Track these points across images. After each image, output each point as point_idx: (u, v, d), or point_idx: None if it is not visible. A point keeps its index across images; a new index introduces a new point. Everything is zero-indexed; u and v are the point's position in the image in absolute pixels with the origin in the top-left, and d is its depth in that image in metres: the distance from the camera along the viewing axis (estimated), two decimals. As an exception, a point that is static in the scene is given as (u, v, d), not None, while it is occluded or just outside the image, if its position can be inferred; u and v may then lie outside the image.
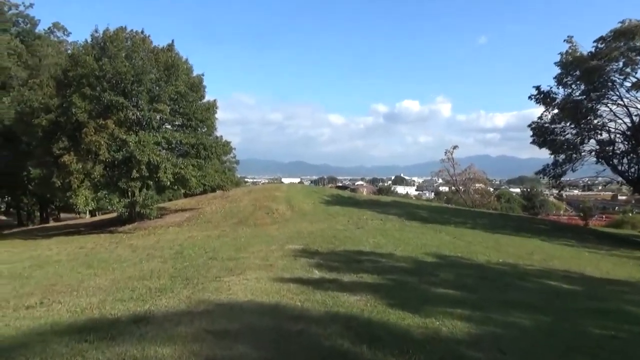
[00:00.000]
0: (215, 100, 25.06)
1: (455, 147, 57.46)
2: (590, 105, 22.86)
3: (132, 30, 22.62)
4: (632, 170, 23.27)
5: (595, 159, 24.67)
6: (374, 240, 13.50)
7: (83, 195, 19.98)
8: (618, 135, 23.41)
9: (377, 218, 21.01)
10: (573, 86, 23.00)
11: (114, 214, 26.24)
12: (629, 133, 22.59)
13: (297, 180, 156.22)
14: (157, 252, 11.89)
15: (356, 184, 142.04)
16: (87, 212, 49.20)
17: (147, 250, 12.66)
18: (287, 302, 6.22)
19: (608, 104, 22.63)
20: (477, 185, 59.89)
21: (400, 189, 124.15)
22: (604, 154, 23.56)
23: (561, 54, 22.98)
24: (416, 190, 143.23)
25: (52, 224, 36.53)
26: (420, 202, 37.43)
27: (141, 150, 19.75)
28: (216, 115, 25.17)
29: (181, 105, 22.36)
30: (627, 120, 22.59)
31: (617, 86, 21.95)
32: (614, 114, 22.61)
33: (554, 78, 23.66)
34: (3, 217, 48.21)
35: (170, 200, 41.06)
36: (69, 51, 32.43)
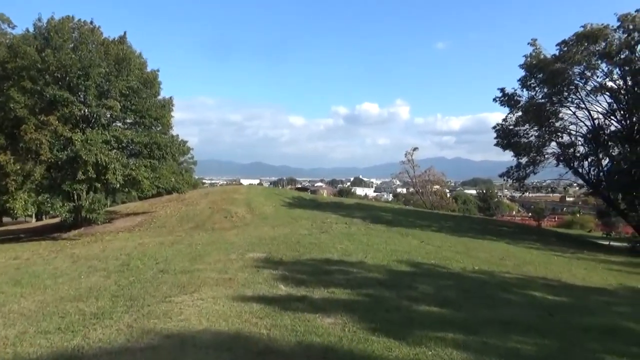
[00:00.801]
0: (171, 98, 23.64)
1: (415, 149, 57.76)
2: (552, 108, 22.95)
3: (80, 20, 20.93)
4: (592, 173, 23.55)
5: (555, 161, 24.84)
6: (342, 247, 12.64)
7: (22, 199, 18.19)
8: (579, 138, 23.63)
9: (341, 222, 20.23)
10: (537, 89, 23.03)
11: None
12: (589, 136, 22.80)
13: (256, 181, 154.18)
14: (100, 264, 10.56)
15: (315, 185, 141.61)
16: (34, 215, 46.09)
17: (90, 261, 11.28)
18: (250, 330, 5.24)
19: (570, 107, 22.79)
20: (435, 187, 60.46)
21: (359, 191, 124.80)
22: (565, 157, 23.72)
23: (525, 56, 22.97)
24: (374, 191, 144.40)
25: (-10, 229, 33.77)
26: (383, 204, 37.05)
27: (88, 149, 18.15)
28: (172, 114, 23.74)
29: (133, 102, 20.84)
30: (588, 123, 22.82)
31: (579, 89, 22.10)
32: (576, 117, 22.79)
33: (518, 80, 23.69)
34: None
35: (124, 202, 38.91)
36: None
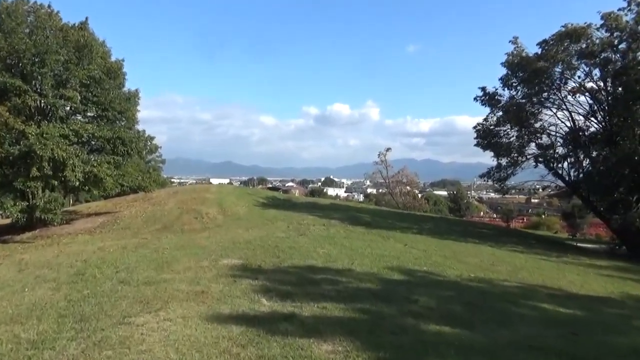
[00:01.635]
0: (137, 90, 22.15)
1: (388, 150, 57.43)
2: (533, 108, 22.56)
3: (35, 2, 19.20)
4: (572, 173, 23.26)
5: (534, 162, 24.49)
6: (324, 251, 11.63)
7: (-34, 197, 16.44)
8: (558, 139, 23.31)
9: (318, 223, 19.23)
10: (518, 87, 22.58)
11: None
12: (569, 137, 22.49)
13: (226, 181, 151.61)
14: (51, 273, 9.20)
15: (286, 185, 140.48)
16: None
17: (40, 269, 9.89)
18: (231, 366, 4.14)
19: (551, 108, 22.43)
20: (408, 187, 60.24)
21: (331, 191, 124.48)
22: (545, 158, 23.36)
23: (507, 54, 22.49)
24: (345, 192, 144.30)
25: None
26: (358, 205, 36.27)
27: (43, 144, 16.54)
28: (138, 107, 22.21)
29: (95, 93, 19.26)
30: (568, 124, 22.50)
31: (561, 89, 21.76)
32: (557, 117, 22.47)
33: (499, 79, 23.21)
34: None
35: (87, 202, 36.76)
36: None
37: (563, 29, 21.16)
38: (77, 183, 18.07)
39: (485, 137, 24.16)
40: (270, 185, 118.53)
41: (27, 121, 17.33)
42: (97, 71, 18.84)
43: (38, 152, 16.30)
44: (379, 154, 55.89)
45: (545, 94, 22.49)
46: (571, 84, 21.84)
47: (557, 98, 22.10)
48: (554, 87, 21.71)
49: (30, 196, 18.39)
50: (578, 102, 21.72)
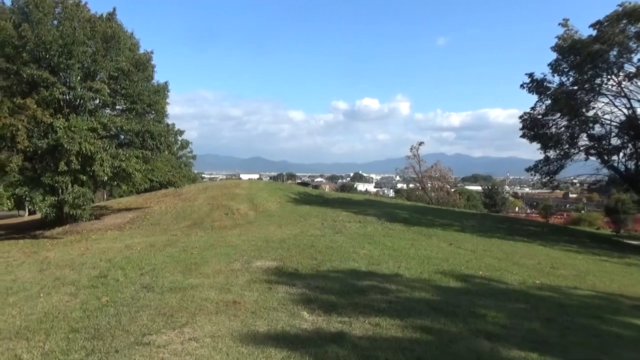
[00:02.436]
0: (166, 83, 21.49)
1: (421, 144, 55.66)
2: (586, 96, 20.82)
3: (64, -7, 18.72)
4: (630, 166, 21.39)
5: (584, 155, 22.74)
6: (365, 252, 10.61)
7: (-4, 193, 16.11)
8: (613, 129, 21.48)
9: (354, 220, 18.24)
10: (570, 73, 20.86)
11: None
12: (626, 126, 20.64)
13: (256, 176, 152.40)
14: (72, 274, 8.50)
15: (315, 180, 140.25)
16: (26, 210, 43.80)
17: (62, 269, 9.22)
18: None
19: (607, 95, 20.62)
20: (441, 183, 58.38)
21: (360, 186, 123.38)
22: (598, 149, 21.60)
23: (558, 37, 20.79)
24: (375, 187, 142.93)
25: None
26: (393, 200, 35.01)
27: (70, 137, 16.03)
28: (167, 100, 21.58)
29: (123, 85, 18.70)
30: (625, 111, 20.65)
31: (616, 74, 19.98)
32: (613, 104, 20.62)
33: (548, 65, 21.48)
34: None
35: (121, 197, 36.80)
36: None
37: (620, 9, 19.39)
38: (106, 178, 17.57)
39: (533, 127, 22.52)
40: (299, 181, 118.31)
41: (55, 114, 16.88)
42: (125, 63, 18.25)
43: (66, 145, 15.81)
44: (411, 148, 54.20)
45: (599, 79, 20.73)
46: (629, 69, 20.01)
47: (614, 83, 20.31)
48: (610, 71, 19.94)
49: (62, 191, 18.02)
50: (638, 87, 19.86)
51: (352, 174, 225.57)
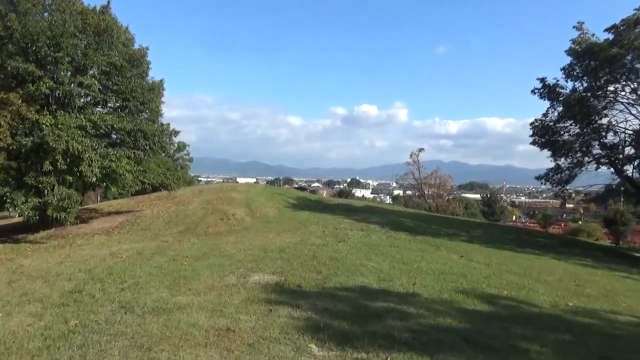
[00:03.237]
0: (161, 81, 20.47)
1: (421, 150, 54.81)
2: (598, 102, 19.95)
3: (55, -17, 17.73)
4: (645, 177, 20.52)
5: (595, 164, 21.86)
6: (373, 265, 9.62)
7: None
8: (626, 138, 20.58)
9: (356, 228, 17.27)
10: (584, 78, 19.96)
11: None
12: (641, 135, 19.75)
13: (252, 180, 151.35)
14: (43, 288, 7.46)
15: (312, 185, 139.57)
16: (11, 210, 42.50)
17: (34, 280, 8.17)
18: None
19: (622, 102, 19.75)
20: (441, 190, 57.49)
21: (357, 192, 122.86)
22: (611, 159, 20.68)
23: (572, 40, 19.91)
24: (371, 193, 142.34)
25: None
26: (394, 207, 34.02)
27: (57, 135, 14.98)
28: (162, 99, 20.58)
29: (115, 81, 17.66)
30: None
31: (633, 80, 19.12)
32: (629, 112, 19.73)
33: (561, 69, 20.60)
34: None
35: (115, 199, 35.60)
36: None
37: (638, 12, 18.56)
38: (95, 179, 16.51)
39: (544, 134, 21.60)
40: (297, 186, 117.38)
41: (41, 110, 15.84)
42: (117, 58, 17.22)
43: (51, 144, 14.73)
44: (411, 155, 53.39)
45: (613, 86, 19.88)
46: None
47: (630, 90, 19.43)
48: (626, 77, 19.07)
49: (48, 192, 16.95)
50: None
51: (349, 180, 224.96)
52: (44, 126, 15.15)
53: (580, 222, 56.31)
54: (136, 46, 19.60)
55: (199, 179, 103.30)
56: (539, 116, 22.06)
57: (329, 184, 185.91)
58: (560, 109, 20.99)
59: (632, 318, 7.40)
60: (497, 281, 9.25)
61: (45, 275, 8.62)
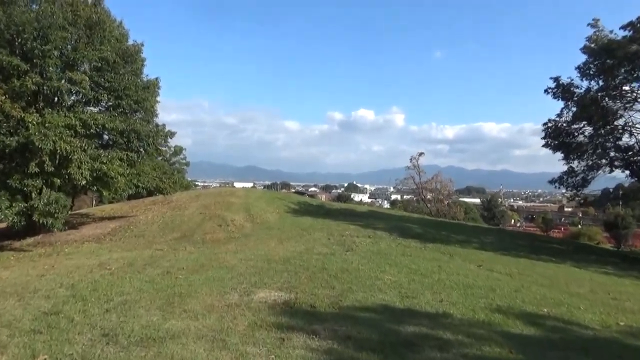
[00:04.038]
0: (157, 79, 19.47)
1: (421, 154, 54.05)
2: (614, 103, 19.08)
3: (43, -28, 16.72)
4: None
5: (609, 167, 20.97)
6: (389, 278, 8.63)
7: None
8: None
9: (363, 234, 16.35)
10: (601, 77, 19.09)
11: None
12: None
13: (250, 185, 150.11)
14: (16, 308, 6.42)
15: (309, 190, 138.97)
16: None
17: (8, 298, 7.11)
18: None
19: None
20: (441, 195, 56.73)
21: (354, 197, 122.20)
22: (627, 161, 19.80)
23: (587, 38, 19.06)
24: (369, 197, 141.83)
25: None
26: (398, 213, 33.09)
27: (44, 134, 13.93)
28: (158, 99, 19.58)
29: (107, 78, 16.63)
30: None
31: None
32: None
33: (576, 68, 19.72)
34: None
35: (110, 202, 34.39)
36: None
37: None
38: (84, 182, 15.45)
39: (557, 136, 20.70)
40: (294, 190, 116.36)
41: (27, 108, 14.82)
42: (110, 53, 16.20)
43: (37, 144, 13.66)
44: (411, 159, 52.64)
45: (629, 85, 19.03)
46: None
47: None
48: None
49: (36, 196, 15.88)
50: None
51: (346, 184, 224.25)
52: (29, 125, 14.11)
53: (580, 226, 55.78)
54: (130, 42, 18.62)
55: (196, 183, 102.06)
56: (553, 117, 21.18)
57: (327, 188, 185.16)
58: (574, 109, 20.12)
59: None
60: (530, 296, 8.28)
61: (22, 291, 7.56)
